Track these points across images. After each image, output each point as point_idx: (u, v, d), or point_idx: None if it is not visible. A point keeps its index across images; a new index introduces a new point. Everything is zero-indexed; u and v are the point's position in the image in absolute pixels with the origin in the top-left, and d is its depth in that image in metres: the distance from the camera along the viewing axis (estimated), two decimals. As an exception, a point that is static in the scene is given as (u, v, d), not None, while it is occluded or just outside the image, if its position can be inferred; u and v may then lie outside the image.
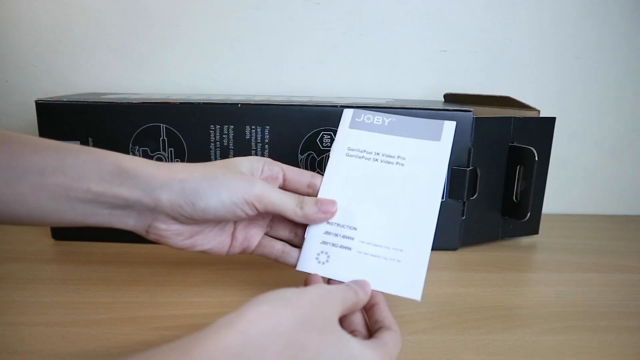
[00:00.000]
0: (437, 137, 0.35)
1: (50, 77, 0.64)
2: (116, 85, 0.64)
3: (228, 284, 0.43)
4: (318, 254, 0.34)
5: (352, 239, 0.33)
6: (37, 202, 0.29)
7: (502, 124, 0.51)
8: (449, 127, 0.35)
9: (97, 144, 0.48)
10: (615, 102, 0.67)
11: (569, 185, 0.70)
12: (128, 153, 0.48)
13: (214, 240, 0.36)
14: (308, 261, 0.34)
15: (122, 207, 0.30)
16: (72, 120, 0.48)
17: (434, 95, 0.66)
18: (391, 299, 0.41)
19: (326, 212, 0.34)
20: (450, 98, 0.63)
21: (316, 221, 0.34)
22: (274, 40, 0.64)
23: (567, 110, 0.67)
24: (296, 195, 0.35)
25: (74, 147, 0.30)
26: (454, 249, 0.52)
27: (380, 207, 0.34)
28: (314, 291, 0.27)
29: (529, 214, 0.51)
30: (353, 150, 0.36)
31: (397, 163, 0.35)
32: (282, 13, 0.63)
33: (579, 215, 0.69)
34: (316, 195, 0.37)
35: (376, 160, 0.35)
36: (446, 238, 0.52)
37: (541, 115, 0.54)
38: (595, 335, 0.37)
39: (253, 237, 0.37)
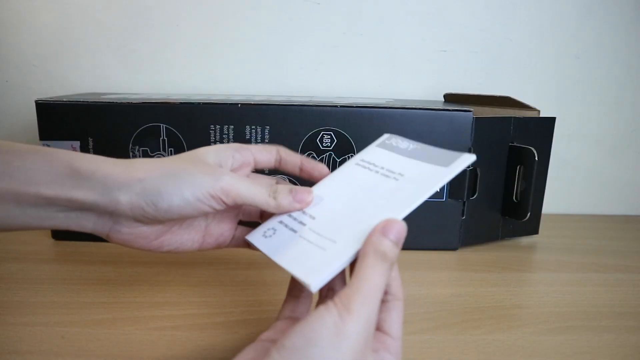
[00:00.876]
0: (446, 164, 0.34)
1: (50, 77, 0.64)
2: (116, 85, 0.64)
3: (228, 284, 0.43)
4: (268, 229, 0.33)
5: (304, 225, 0.32)
6: None
7: (502, 124, 0.51)
8: (464, 159, 0.34)
9: (97, 144, 0.48)
10: (615, 102, 0.67)
11: (569, 185, 0.70)
12: (128, 153, 0.48)
13: (183, 238, 0.33)
14: (257, 233, 0.32)
15: (78, 210, 0.28)
16: (72, 120, 0.48)
17: (434, 95, 0.66)
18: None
19: (301, 201, 0.31)
20: (450, 98, 0.63)
21: (290, 211, 0.32)
22: (274, 40, 0.64)
23: (567, 110, 0.67)
24: (268, 184, 0.32)
25: (22, 147, 0.28)
26: (454, 249, 0.52)
27: (348, 207, 0.32)
28: (351, 349, 0.23)
29: (529, 214, 0.51)
30: (364, 161, 0.36)
31: (393, 178, 0.34)
32: (282, 13, 0.63)
33: (579, 215, 0.69)
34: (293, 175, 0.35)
35: (377, 172, 0.35)
36: (446, 238, 0.52)
37: (541, 115, 0.54)
38: (595, 335, 0.37)
39: (227, 231, 0.35)
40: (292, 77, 0.65)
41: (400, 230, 0.27)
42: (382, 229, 0.27)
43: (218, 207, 0.29)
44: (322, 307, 0.23)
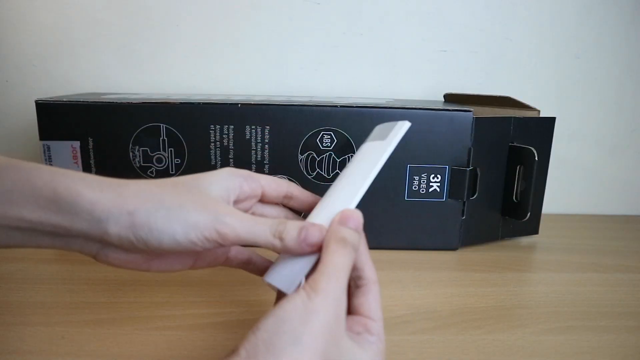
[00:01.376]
0: (384, 137, 0.33)
1: (50, 77, 0.64)
2: (116, 85, 0.64)
3: (228, 284, 0.43)
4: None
5: None
6: None
7: (502, 124, 0.51)
8: (399, 127, 0.33)
9: (97, 144, 0.48)
10: (615, 102, 0.67)
11: (569, 185, 0.70)
12: (128, 153, 0.48)
13: (174, 263, 0.31)
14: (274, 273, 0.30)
15: (64, 235, 0.26)
16: (72, 120, 0.48)
17: (434, 95, 0.66)
18: (389, 300, 0.41)
19: (311, 245, 0.27)
20: (450, 98, 0.63)
21: (299, 254, 0.28)
22: (274, 40, 0.64)
23: (567, 110, 0.67)
24: (272, 222, 0.28)
25: (1, 162, 0.26)
26: (454, 249, 0.52)
27: (324, 209, 0.32)
28: (321, 323, 0.23)
29: (529, 214, 0.51)
30: (350, 161, 0.35)
31: (352, 167, 0.34)
32: (282, 13, 0.63)
33: (579, 215, 0.69)
34: (296, 210, 0.34)
35: (347, 167, 0.34)
36: (446, 238, 0.52)
37: (541, 115, 0.54)
38: (595, 335, 0.37)
39: (221, 255, 0.33)
40: (292, 77, 0.65)
41: (356, 218, 0.28)
42: (339, 220, 0.28)
43: (212, 247, 0.27)
44: (292, 293, 0.24)
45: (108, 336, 0.34)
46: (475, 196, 0.51)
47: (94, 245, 0.27)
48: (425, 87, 0.66)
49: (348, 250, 0.26)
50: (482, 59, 0.65)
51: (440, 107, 0.49)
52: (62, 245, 0.27)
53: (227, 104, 0.48)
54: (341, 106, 0.48)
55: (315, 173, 0.49)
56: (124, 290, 0.41)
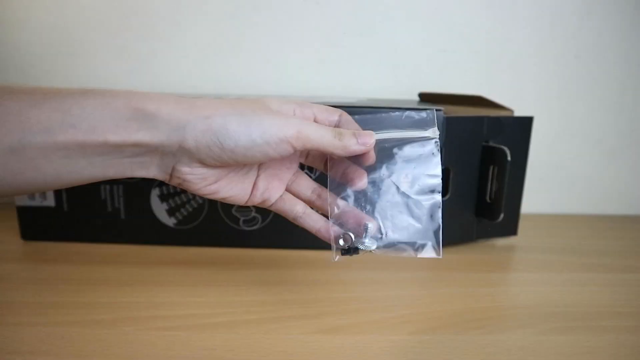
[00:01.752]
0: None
1: (50, 77, 0.64)
2: (116, 85, 0.64)
3: (228, 284, 0.43)
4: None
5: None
6: (50, 164, 0.26)
7: (475, 123, 0.50)
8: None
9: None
10: (615, 102, 0.67)
11: (569, 185, 0.70)
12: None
13: (236, 187, 0.33)
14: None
15: (143, 154, 0.28)
16: None
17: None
18: (389, 300, 0.41)
19: (365, 143, 0.31)
20: (425, 97, 0.62)
21: (356, 152, 0.32)
22: (273, 40, 0.64)
23: (567, 110, 0.67)
24: (332, 128, 0.32)
25: (78, 91, 0.26)
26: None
27: None
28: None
29: (501, 215, 0.50)
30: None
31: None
32: (282, 13, 0.63)
33: (579, 215, 0.69)
34: None
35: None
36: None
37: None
38: (595, 335, 0.37)
39: (275, 189, 0.35)
40: (292, 76, 0.65)
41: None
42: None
43: (285, 152, 0.29)
44: None
45: (108, 336, 0.34)
46: (447, 196, 0.50)
47: (170, 161, 0.28)
48: (425, 87, 0.66)
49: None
50: (482, 59, 0.65)
51: (411, 107, 0.49)
52: (139, 168, 0.28)
53: None
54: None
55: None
56: (124, 290, 0.41)
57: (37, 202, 0.50)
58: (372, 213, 0.34)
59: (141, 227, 0.50)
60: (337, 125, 0.34)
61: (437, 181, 0.35)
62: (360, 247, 0.33)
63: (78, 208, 0.50)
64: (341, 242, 0.34)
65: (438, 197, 0.35)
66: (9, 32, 0.62)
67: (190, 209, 0.50)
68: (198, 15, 0.62)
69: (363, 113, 0.47)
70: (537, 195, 0.67)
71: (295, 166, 0.36)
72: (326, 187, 0.35)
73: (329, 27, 0.64)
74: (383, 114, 0.36)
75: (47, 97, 0.25)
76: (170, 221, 0.50)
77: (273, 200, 0.35)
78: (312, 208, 0.36)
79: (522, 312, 0.40)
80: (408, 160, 0.35)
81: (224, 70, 0.65)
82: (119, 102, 0.26)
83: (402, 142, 0.35)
